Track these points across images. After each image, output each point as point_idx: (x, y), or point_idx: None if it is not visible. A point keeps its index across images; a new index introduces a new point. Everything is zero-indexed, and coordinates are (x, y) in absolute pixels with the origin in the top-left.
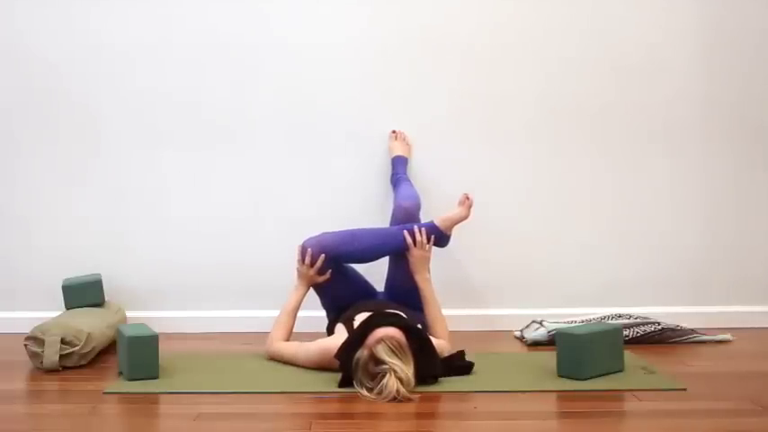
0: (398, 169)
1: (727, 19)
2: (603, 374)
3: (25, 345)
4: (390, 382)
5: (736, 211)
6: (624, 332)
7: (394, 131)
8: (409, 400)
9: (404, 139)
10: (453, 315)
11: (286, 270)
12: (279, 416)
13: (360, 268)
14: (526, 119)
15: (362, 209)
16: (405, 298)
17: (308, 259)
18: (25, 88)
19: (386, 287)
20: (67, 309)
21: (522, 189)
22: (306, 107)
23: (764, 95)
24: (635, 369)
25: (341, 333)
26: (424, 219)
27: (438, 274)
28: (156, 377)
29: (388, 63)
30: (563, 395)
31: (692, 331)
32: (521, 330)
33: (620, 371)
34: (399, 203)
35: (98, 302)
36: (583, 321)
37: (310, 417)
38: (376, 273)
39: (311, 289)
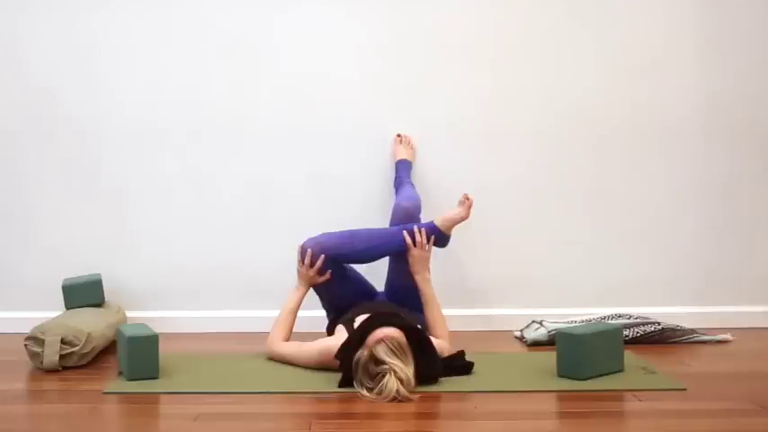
0: (401, 173)
1: (727, 19)
2: (603, 374)
3: (25, 345)
4: (390, 383)
5: (735, 210)
6: (624, 332)
7: (399, 135)
8: (409, 400)
9: (408, 143)
10: (453, 315)
11: (286, 270)
12: (279, 416)
13: (360, 268)
14: (526, 119)
15: (363, 209)
16: (405, 298)
17: (307, 260)
18: (25, 88)
19: (386, 287)
20: (67, 309)
21: (522, 189)
22: (306, 107)
23: (765, 95)
24: (635, 369)
25: (341, 333)
26: (424, 219)
27: (438, 275)
28: (156, 377)
29: (389, 63)
30: (563, 395)
31: (692, 331)
32: (521, 330)
33: (620, 371)
34: (399, 204)
35: (98, 302)
36: (583, 321)
37: (310, 417)
38: (376, 273)
39: (311, 289)
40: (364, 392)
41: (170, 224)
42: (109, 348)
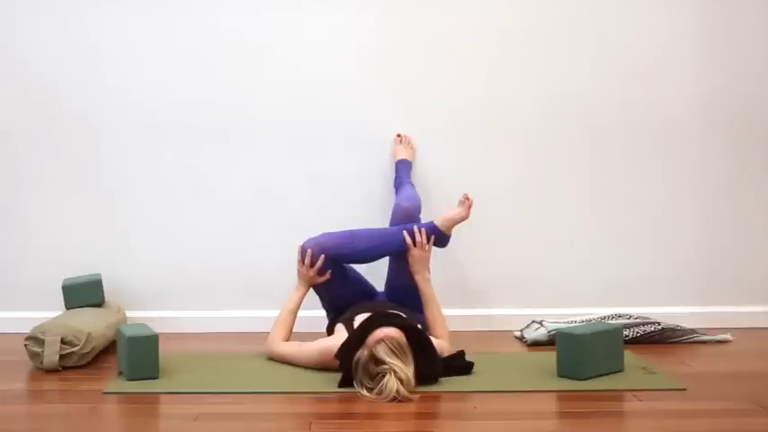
0: (401, 173)
1: (726, 19)
2: (603, 374)
3: (25, 345)
4: (390, 383)
5: (735, 210)
6: (624, 332)
7: (399, 135)
8: (409, 400)
9: (408, 143)
10: (453, 315)
11: (286, 270)
12: (279, 416)
13: (360, 268)
14: (526, 120)
15: (363, 209)
16: (405, 298)
17: (307, 260)
18: (24, 89)
19: (386, 287)
20: (67, 309)
21: (523, 189)
22: (306, 108)
23: (764, 95)
24: (635, 369)
25: (341, 333)
26: (424, 219)
27: (438, 274)
28: (156, 377)
29: (389, 64)
30: (563, 395)
31: (692, 331)
32: (521, 330)
33: (620, 371)
34: (399, 204)
35: (98, 302)
36: (583, 321)
37: (310, 417)
38: (376, 273)
39: (311, 289)
40: (364, 392)
41: (170, 224)
42: (109, 348)
